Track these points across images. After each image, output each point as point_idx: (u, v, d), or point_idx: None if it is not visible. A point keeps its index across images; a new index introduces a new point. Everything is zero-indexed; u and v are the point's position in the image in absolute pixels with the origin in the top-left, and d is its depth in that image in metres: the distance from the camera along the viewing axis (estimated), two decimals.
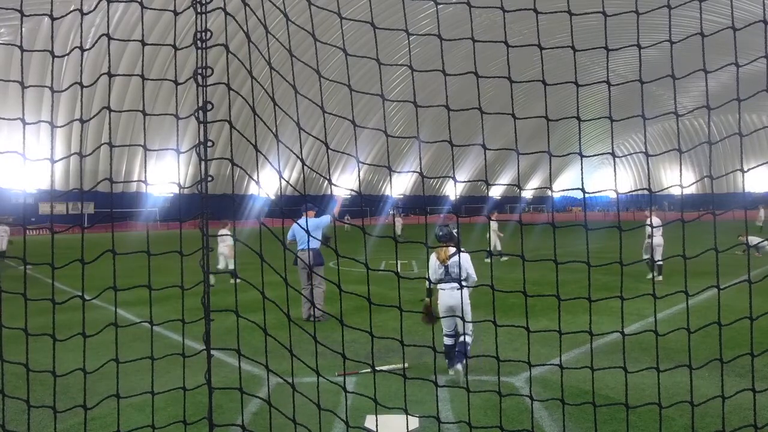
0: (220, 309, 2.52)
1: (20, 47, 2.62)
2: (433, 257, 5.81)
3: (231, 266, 14.82)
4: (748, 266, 2.62)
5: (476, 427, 2.92)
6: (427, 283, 5.42)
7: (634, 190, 3.54)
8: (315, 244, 8.82)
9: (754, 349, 2.81)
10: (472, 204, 71.55)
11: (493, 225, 18.25)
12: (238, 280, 2.89)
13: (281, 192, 3.20)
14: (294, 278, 10.23)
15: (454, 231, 5.73)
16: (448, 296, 5.70)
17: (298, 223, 8.45)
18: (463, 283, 5.57)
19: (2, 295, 2.53)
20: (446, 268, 5.71)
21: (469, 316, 5.54)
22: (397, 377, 3.40)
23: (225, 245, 14.31)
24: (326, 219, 8.92)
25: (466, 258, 5.69)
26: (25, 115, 2.65)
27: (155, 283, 2.64)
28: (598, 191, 3.13)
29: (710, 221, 2.83)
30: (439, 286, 5.80)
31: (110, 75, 2.64)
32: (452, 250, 5.73)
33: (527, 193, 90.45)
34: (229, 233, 13.77)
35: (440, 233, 5.85)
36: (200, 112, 2.49)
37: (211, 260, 2.52)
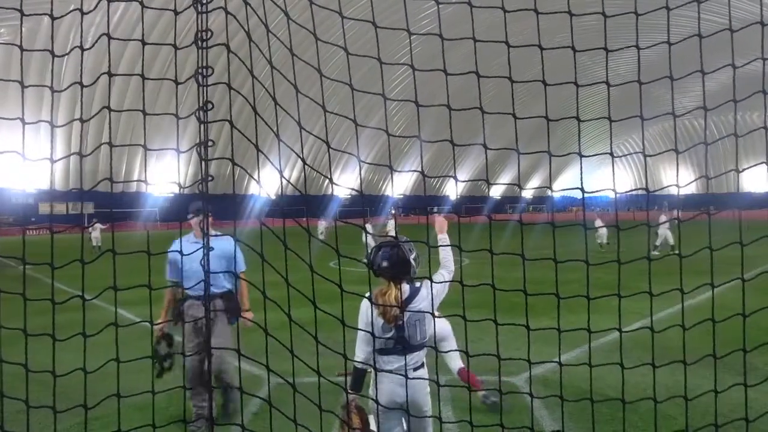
0: (220, 309, 2.52)
1: (20, 47, 2.62)
2: (366, 308, 3.12)
3: None
4: (741, 265, 2.63)
5: (477, 426, 2.92)
6: (357, 355, 3.12)
7: (632, 190, 3.54)
8: (221, 285, 4.48)
9: (748, 345, 2.84)
10: (473, 204, 71.58)
11: (391, 224, 19.15)
12: None
13: (282, 192, 3.20)
14: (301, 276, 10.16)
15: (412, 257, 3.12)
16: (399, 384, 2.97)
17: (180, 252, 3.60)
18: (440, 283, 3.18)
19: (1, 295, 2.53)
20: (398, 329, 3.05)
21: (429, 414, 3.12)
22: None
23: (369, 236, 17.93)
24: (231, 246, 3.69)
25: (438, 291, 3.16)
26: (24, 115, 2.65)
27: (155, 283, 2.64)
28: (598, 191, 3.12)
29: (708, 220, 2.84)
30: (381, 360, 3.05)
31: (110, 75, 2.64)
32: (407, 290, 3.12)
33: (527, 193, 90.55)
34: (370, 227, 17.80)
35: (381, 263, 3.08)
36: (201, 111, 2.49)
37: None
